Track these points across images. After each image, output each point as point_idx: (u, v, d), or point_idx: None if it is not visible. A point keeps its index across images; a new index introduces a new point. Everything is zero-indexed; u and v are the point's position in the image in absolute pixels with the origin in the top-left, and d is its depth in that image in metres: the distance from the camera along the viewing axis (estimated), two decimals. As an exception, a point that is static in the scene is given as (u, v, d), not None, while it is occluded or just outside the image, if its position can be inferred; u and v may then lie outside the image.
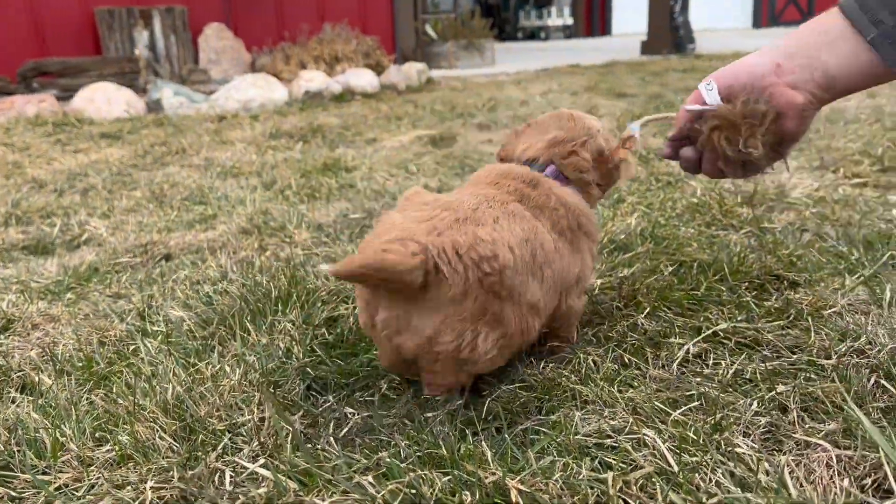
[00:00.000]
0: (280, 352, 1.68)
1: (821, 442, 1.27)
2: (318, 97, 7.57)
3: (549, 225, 1.54)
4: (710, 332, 1.69)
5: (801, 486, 1.16)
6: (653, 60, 10.99)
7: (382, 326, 1.39)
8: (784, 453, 1.26)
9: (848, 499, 1.12)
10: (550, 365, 1.61)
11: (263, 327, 1.80)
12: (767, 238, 2.47)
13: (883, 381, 1.46)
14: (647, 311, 1.85)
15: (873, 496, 1.15)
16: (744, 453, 1.23)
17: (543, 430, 1.36)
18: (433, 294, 1.33)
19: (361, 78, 8.04)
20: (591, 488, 1.14)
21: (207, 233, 2.86)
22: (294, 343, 1.71)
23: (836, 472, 1.22)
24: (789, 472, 1.20)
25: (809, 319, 1.72)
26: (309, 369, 1.61)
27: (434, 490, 1.13)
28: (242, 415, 1.40)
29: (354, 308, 1.87)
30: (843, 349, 1.59)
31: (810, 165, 3.54)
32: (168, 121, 6.39)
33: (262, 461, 1.25)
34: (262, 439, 1.33)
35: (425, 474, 1.17)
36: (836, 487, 1.17)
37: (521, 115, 5.96)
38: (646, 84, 7.59)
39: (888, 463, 1.17)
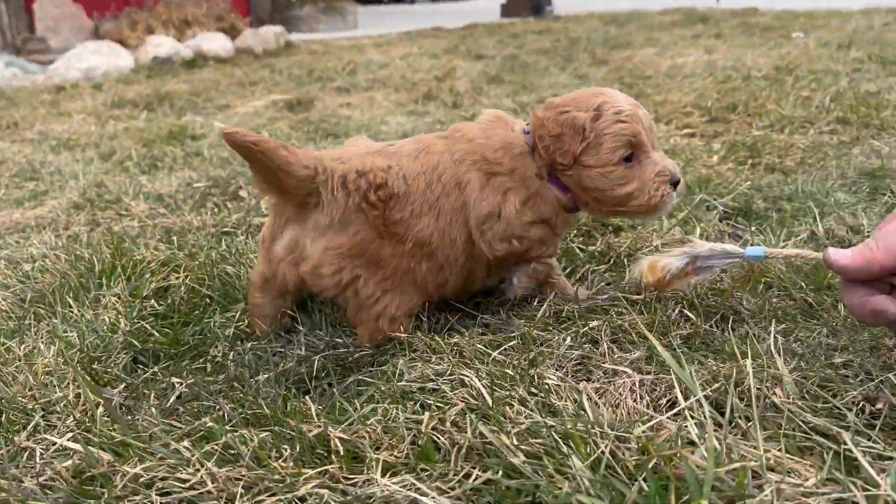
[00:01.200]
0: (105, 326, 1.62)
1: (626, 369, 1.37)
2: (167, 63, 7.20)
3: (464, 158, 1.51)
4: (536, 277, 1.77)
5: (602, 408, 1.25)
6: (512, 23, 11.18)
7: (283, 247, 1.47)
8: (592, 381, 1.35)
9: (641, 417, 1.22)
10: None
11: (87, 302, 1.73)
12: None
13: (686, 311, 1.59)
14: (480, 261, 1.91)
15: (666, 412, 1.25)
16: (554, 384, 1.31)
17: (372, 380, 1.39)
18: (318, 219, 1.41)
19: (214, 42, 7.71)
20: (409, 429, 1.18)
21: (36, 210, 2.68)
22: (120, 316, 1.65)
23: (637, 396, 1.32)
24: (596, 398, 1.28)
25: (625, 260, 1.84)
26: (135, 342, 1.56)
27: (251, 447, 1.13)
28: (55, 392, 1.35)
29: (186, 277, 1.82)
30: (654, 284, 1.71)
31: (646, 118, 3.73)
32: (1, 94, 5.89)
33: (70, 435, 1.21)
34: (77, 416, 1.28)
35: (244, 433, 1.17)
36: (634, 408, 1.27)
37: (380, 77, 5.93)
38: (503, 46, 7.73)
39: (678, 383, 1.28)
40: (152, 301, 1.73)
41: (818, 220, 2.07)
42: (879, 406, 1.23)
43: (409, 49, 7.87)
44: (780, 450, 1.13)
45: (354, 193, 1.40)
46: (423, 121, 4.12)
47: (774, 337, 1.42)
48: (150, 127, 4.20)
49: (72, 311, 1.68)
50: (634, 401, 1.31)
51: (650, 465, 1.03)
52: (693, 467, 1.00)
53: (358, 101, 4.96)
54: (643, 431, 1.11)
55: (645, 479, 1.00)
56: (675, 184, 1.50)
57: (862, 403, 1.22)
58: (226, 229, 2.27)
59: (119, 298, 1.71)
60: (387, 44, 8.88)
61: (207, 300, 1.71)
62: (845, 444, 1.11)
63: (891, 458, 1.10)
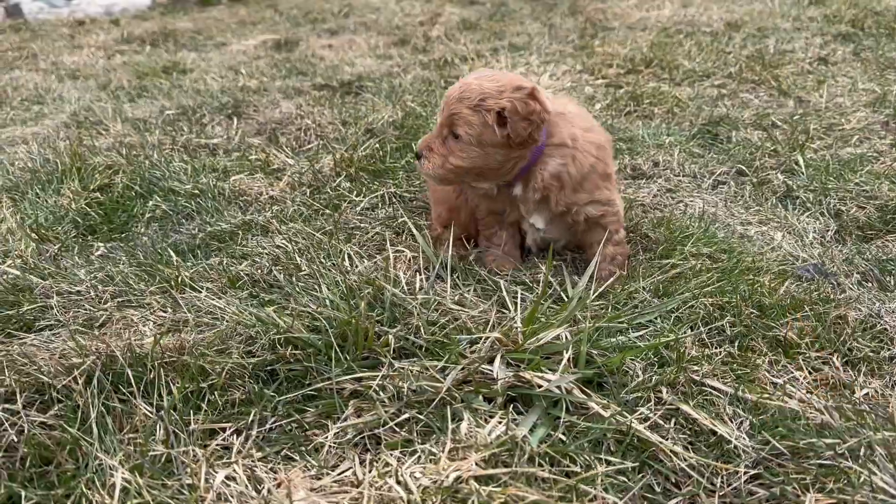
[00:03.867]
0: (60, 208, 2.25)
1: (404, 249, 1.95)
2: (182, 0, 7.75)
3: None
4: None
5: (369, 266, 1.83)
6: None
7: None
8: (381, 254, 1.94)
9: (393, 274, 1.80)
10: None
11: (49, 192, 2.36)
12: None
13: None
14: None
15: (418, 276, 1.83)
16: (353, 252, 1.89)
17: (223, 245, 1.99)
18: None
19: (228, -18, 8.22)
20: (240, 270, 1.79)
21: (34, 127, 3.32)
22: (71, 202, 2.28)
23: (407, 267, 1.90)
24: (381, 263, 1.87)
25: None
26: (79, 219, 2.19)
27: (124, 272, 1.75)
28: (8, 245, 1.98)
29: (124, 177, 2.44)
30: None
31: (574, 69, 4.21)
32: (27, 26, 6.53)
33: (9, 263, 1.84)
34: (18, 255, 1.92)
35: (129, 272, 1.79)
36: (402, 272, 1.85)
37: (368, 21, 6.41)
38: (498, -8, 8.09)
39: (425, 258, 1.85)
40: (97, 193, 2.35)
41: (629, 157, 2.60)
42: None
43: (406, -7, 8.27)
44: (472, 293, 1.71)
45: None
46: (384, 64, 4.64)
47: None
48: (149, 61, 4.80)
49: (37, 198, 2.31)
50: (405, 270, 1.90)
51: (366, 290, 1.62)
52: (391, 293, 1.59)
53: (339, 43, 5.48)
54: (373, 275, 1.70)
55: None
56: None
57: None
58: (174, 147, 2.87)
59: (71, 191, 2.34)
60: (393, -14, 9.27)
61: (135, 194, 2.33)
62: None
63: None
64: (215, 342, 1.42)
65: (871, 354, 1.49)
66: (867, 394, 1.40)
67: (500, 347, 1.44)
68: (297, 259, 1.81)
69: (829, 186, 2.29)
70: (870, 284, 1.77)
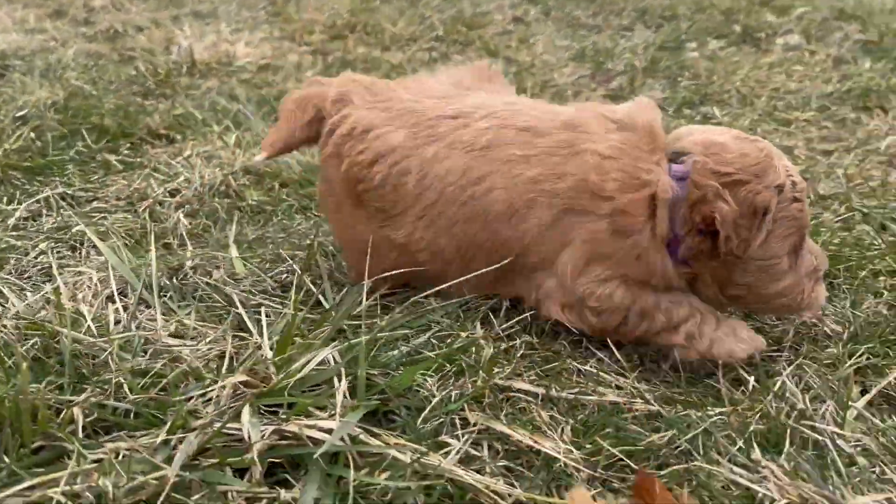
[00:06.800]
0: None
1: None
2: None
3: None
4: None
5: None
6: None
7: None
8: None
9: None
10: None
11: None
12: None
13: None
14: None
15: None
16: None
17: None
18: None
19: None
20: None
21: None
22: None
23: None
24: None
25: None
26: None
27: None
28: None
29: None
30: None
31: (272, 36, 3.78)
32: None
33: None
34: None
35: None
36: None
37: None
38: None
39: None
40: None
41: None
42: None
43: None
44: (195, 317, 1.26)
45: None
46: (35, 39, 3.78)
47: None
48: None
49: None
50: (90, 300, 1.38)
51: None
52: (71, 339, 1.09)
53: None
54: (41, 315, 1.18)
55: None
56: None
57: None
58: None
59: None
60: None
61: None
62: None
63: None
64: None
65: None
66: (672, 366, 1.25)
67: (246, 392, 1.04)
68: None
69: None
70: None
